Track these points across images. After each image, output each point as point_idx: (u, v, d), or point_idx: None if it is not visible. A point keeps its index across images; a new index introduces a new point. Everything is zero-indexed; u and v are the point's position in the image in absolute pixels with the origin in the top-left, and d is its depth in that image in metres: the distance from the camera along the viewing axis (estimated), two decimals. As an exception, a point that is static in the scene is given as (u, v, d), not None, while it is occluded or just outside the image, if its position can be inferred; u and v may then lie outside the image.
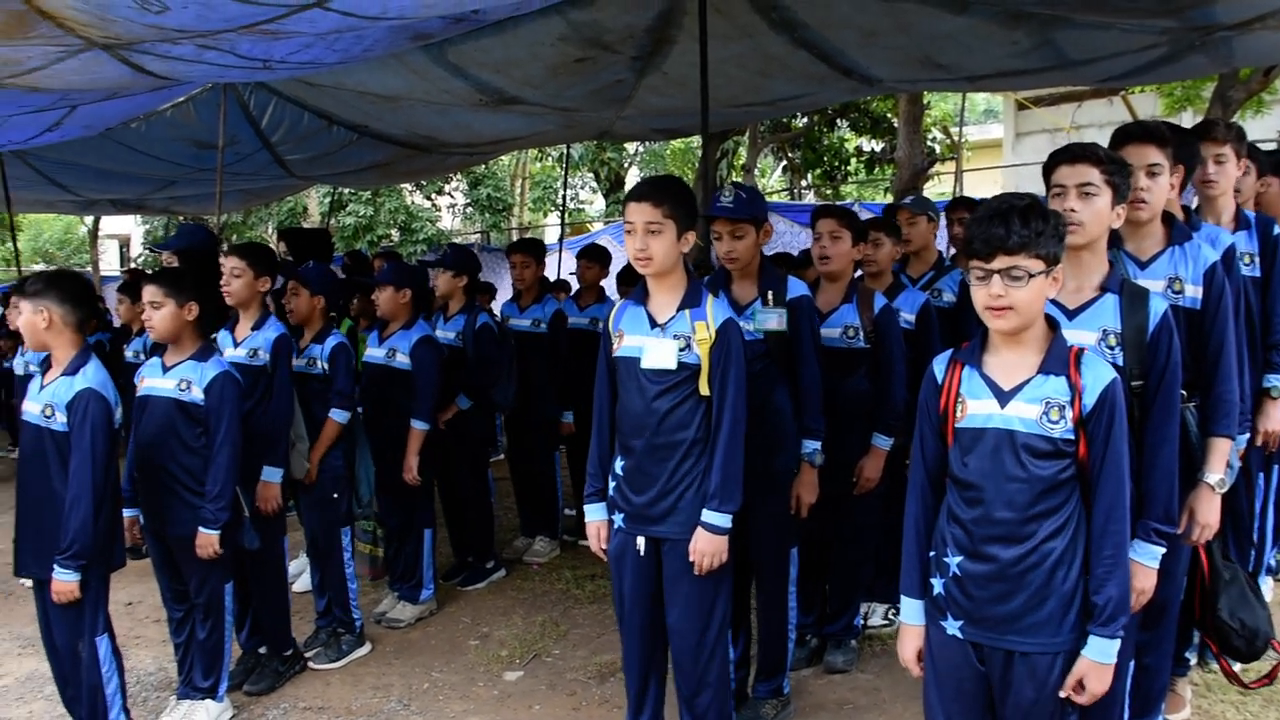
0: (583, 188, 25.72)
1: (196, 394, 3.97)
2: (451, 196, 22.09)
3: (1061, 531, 2.42)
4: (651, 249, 3.17)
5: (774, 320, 3.76)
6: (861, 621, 4.72)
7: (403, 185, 18.85)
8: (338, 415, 4.75)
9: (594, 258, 6.67)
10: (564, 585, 5.81)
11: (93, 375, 3.66)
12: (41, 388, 3.73)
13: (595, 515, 3.45)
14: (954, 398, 2.52)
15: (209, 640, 4.17)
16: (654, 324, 3.27)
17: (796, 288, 3.88)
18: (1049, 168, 2.91)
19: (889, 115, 14.31)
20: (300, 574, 5.82)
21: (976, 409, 2.48)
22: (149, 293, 4.02)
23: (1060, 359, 2.44)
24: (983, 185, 17.52)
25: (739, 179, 17.96)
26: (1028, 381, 2.44)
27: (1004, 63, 5.33)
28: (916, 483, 2.66)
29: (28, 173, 9.74)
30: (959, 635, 2.52)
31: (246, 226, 20.81)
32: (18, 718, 4.31)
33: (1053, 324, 2.51)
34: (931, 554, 2.61)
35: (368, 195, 18.58)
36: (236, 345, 4.52)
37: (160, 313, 3.99)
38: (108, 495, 3.68)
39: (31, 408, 3.72)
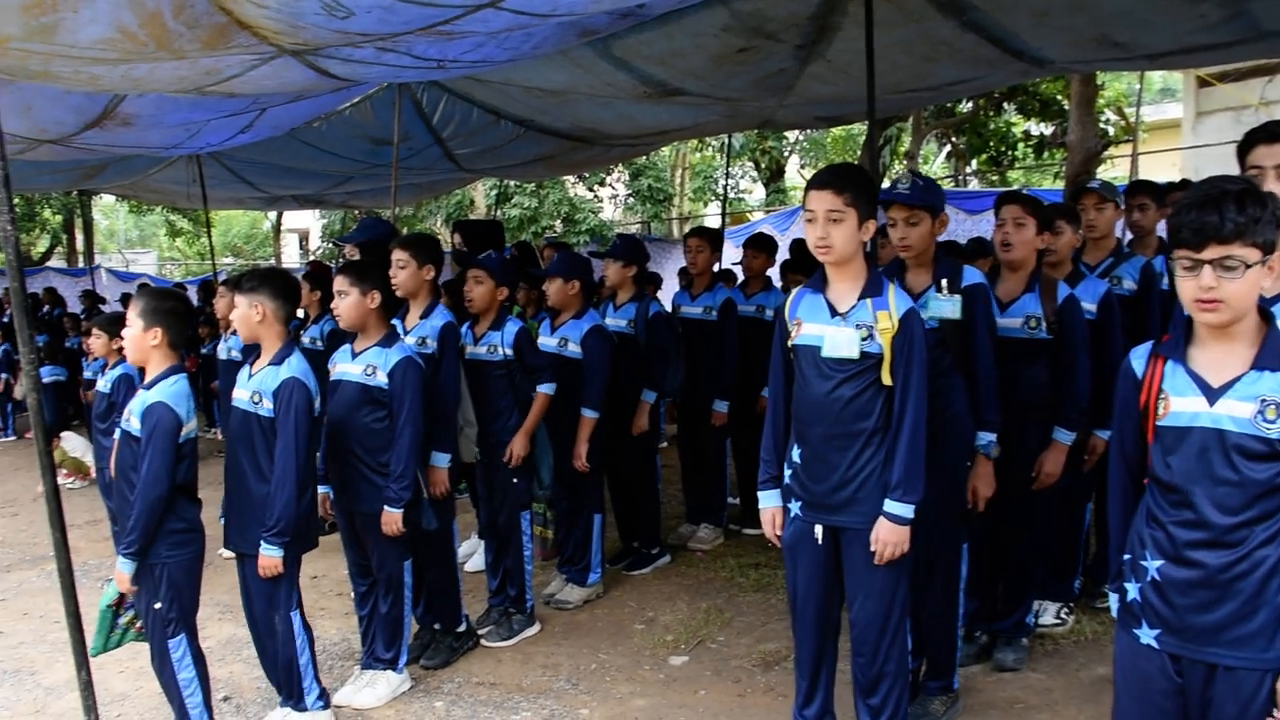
0: (743, 177, 25.65)
1: (381, 378, 4.15)
2: (613, 188, 22.38)
3: (1277, 538, 2.22)
4: (832, 237, 3.14)
5: (949, 308, 3.68)
6: (1033, 619, 4.57)
7: (566, 177, 19.16)
8: (546, 388, 4.90)
9: (761, 247, 6.64)
10: (728, 573, 5.81)
11: (296, 365, 3.87)
12: (250, 376, 3.96)
13: (770, 502, 3.44)
14: (1155, 394, 2.35)
15: (390, 614, 4.36)
16: (834, 312, 3.23)
17: (972, 275, 3.79)
18: (1244, 148, 2.73)
19: (1059, 97, 13.77)
20: (471, 555, 6.01)
21: (1181, 407, 2.30)
22: (337, 282, 4.24)
23: (1277, 352, 2.24)
24: (1160, 168, 16.64)
25: (901, 166, 17.61)
26: (1240, 378, 2.24)
27: (1189, 38, 5.06)
28: (1117, 480, 2.52)
29: (221, 172, 10.38)
30: (1154, 645, 2.35)
31: (417, 219, 21.53)
32: (220, 678, 4.57)
33: (1266, 315, 2.29)
34: (1126, 557, 2.45)
35: (532, 187, 18.99)
36: (406, 334, 4.64)
37: (346, 301, 4.20)
38: (309, 478, 3.90)
39: (240, 395, 3.95)
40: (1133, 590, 2.41)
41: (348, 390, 4.22)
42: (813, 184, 3.21)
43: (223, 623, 5.36)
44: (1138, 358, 2.45)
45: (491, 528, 5.09)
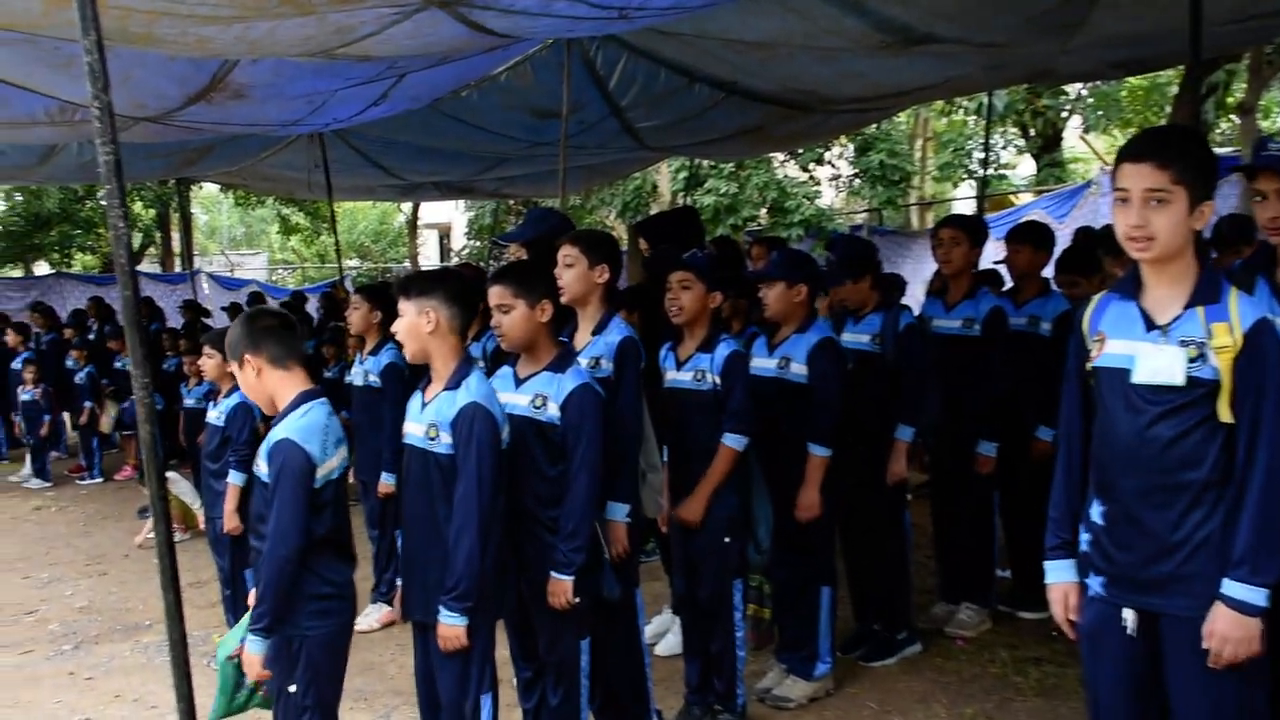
0: (1005, 147, 25.10)
1: (553, 411, 4.20)
2: (834, 166, 22.21)
3: None
4: (1154, 226, 3.04)
5: None
6: None
7: (773, 155, 19.15)
8: (733, 440, 4.84)
9: (1026, 239, 6.51)
10: (999, 669, 5.71)
11: (476, 387, 3.93)
12: (423, 406, 4.06)
13: (1060, 576, 3.37)
14: None
15: (561, 709, 4.39)
16: (1151, 325, 3.14)
17: None
18: None
19: None
20: (661, 634, 6.06)
21: None
22: (495, 294, 4.25)
23: None
24: None
25: (1230, 125, 16.83)
26: None
27: None
28: None
29: (348, 154, 10.87)
30: None
31: (586, 210, 21.87)
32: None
33: None
34: None
35: (730, 169, 19.04)
36: (575, 353, 4.64)
37: (510, 317, 4.21)
38: (497, 527, 3.96)
39: (414, 429, 4.07)
40: None
41: (515, 427, 4.25)
42: (1126, 154, 3.12)
43: (355, 712, 5.54)
44: None
45: (691, 601, 5.11)
